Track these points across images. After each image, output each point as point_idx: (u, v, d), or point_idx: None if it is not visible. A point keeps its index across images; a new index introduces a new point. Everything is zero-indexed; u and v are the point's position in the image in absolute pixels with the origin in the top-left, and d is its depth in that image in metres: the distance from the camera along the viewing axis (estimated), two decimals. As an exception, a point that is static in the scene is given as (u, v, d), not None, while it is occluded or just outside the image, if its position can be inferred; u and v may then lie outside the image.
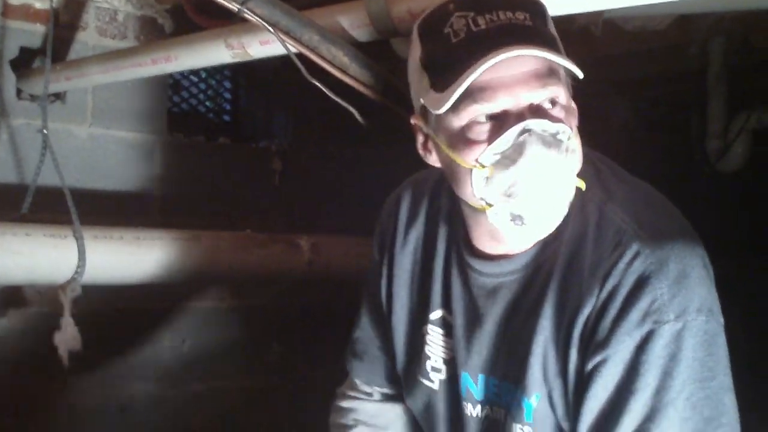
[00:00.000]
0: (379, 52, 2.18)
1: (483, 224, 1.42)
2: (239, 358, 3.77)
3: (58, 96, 3.17)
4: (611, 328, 1.29)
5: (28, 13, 3.07)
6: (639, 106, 4.45)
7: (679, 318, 1.26)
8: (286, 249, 3.20)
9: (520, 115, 1.27)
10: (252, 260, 3.08)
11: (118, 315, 3.34)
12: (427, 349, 1.60)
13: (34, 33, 3.10)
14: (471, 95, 1.26)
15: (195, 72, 3.90)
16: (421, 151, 1.48)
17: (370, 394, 1.83)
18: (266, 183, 3.88)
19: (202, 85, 3.98)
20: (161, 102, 3.56)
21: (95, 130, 3.29)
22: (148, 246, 2.77)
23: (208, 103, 4.02)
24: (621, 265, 1.30)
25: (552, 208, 1.31)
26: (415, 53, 1.39)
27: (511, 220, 1.32)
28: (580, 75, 1.28)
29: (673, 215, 1.41)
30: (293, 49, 1.94)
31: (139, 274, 2.79)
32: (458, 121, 1.31)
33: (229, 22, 2.21)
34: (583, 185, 1.33)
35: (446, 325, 1.57)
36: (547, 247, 1.41)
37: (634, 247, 1.30)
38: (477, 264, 1.50)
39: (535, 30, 1.29)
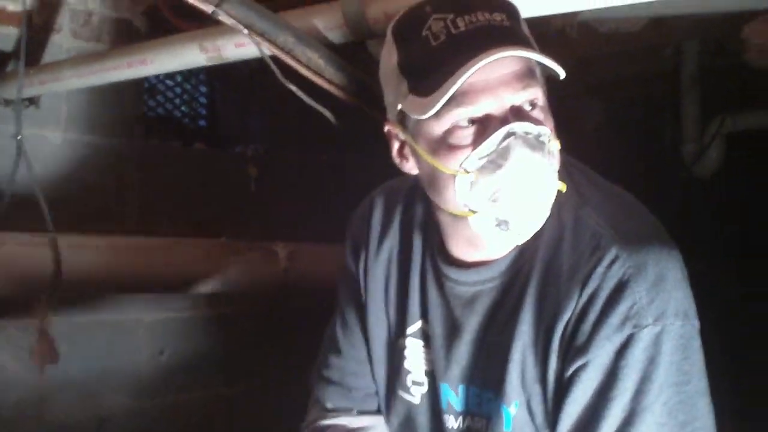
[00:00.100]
0: (353, 53, 2.17)
1: (461, 232, 1.41)
2: (218, 367, 3.75)
3: (33, 101, 3.13)
4: (591, 333, 1.29)
5: (1, 16, 3.04)
6: (613, 109, 4.47)
7: (658, 322, 1.26)
8: (263, 257, 3.19)
9: (503, 119, 1.26)
10: (229, 268, 3.06)
11: (95, 326, 3.30)
12: (407, 363, 1.58)
13: (7, 36, 3.05)
14: (453, 99, 1.24)
15: (170, 76, 3.87)
16: (396, 159, 1.45)
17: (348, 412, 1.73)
18: (242, 189, 3.86)
19: (178, 90, 3.96)
20: (136, 107, 3.54)
21: (70, 136, 3.26)
22: (125, 255, 2.75)
23: (183, 108, 4.00)
24: (600, 270, 1.30)
25: (536, 212, 1.31)
26: (390, 57, 1.36)
27: (497, 225, 1.31)
28: (562, 74, 1.28)
29: (647, 219, 1.41)
30: (268, 52, 1.94)
31: (116, 283, 2.77)
32: (439, 127, 1.30)
33: (205, 24, 2.20)
34: (564, 188, 1.33)
35: (426, 337, 1.55)
36: (524, 252, 1.41)
37: (613, 252, 1.30)
38: (454, 273, 1.48)
39: (512, 30, 1.29)
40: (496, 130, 1.25)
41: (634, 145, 4.65)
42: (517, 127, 1.25)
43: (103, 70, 2.58)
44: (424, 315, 1.54)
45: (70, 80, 2.74)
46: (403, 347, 1.58)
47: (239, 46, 2.10)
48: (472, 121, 1.28)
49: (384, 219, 1.65)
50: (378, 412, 1.68)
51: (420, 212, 1.58)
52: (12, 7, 3.03)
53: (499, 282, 1.43)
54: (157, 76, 3.75)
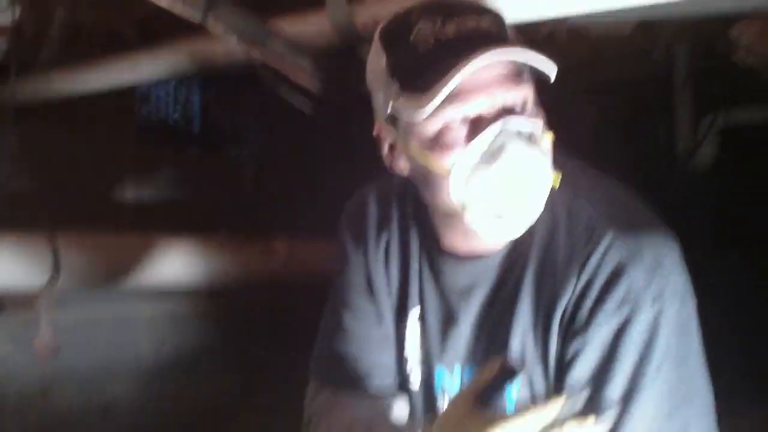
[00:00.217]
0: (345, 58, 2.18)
1: (457, 228, 1.40)
2: (218, 361, 3.77)
3: (26, 109, 3.14)
4: (589, 316, 1.30)
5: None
6: (607, 112, 4.47)
7: (655, 303, 1.27)
8: (262, 252, 3.19)
9: (495, 117, 1.26)
10: (228, 263, 3.07)
11: (96, 320, 3.33)
12: (406, 350, 1.57)
13: (-1, 47, 3.07)
14: (446, 99, 1.23)
15: (163, 83, 3.87)
16: (387, 160, 1.44)
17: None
18: (239, 191, 3.87)
19: (171, 96, 3.96)
20: (130, 114, 3.54)
21: (66, 141, 3.27)
22: (124, 252, 2.77)
23: (177, 114, 4.00)
24: (597, 255, 1.30)
25: (531, 206, 1.30)
26: (379, 60, 1.35)
27: (492, 220, 1.30)
28: (554, 73, 1.26)
29: (642, 207, 1.41)
30: (257, 58, 1.95)
31: (116, 279, 2.78)
32: (433, 126, 1.29)
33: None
34: (557, 181, 1.33)
35: (423, 325, 1.55)
36: (519, 245, 1.40)
37: (609, 238, 1.31)
38: (449, 266, 1.48)
39: (501, 35, 1.29)
40: (489, 127, 1.25)
41: (630, 146, 4.66)
42: (510, 123, 1.25)
43: (95, 79, 2.59)
44: (422, 303, 1.54)
45: (63, 88, 2.75)
46: (403, 335, 1.58)
47: (229, 54, 2.11)
48: (465, 120, 1.27)
49: (379, 212, 1.63)
50: (394, 393, 1.61)
51: (414, 209, 1.57)
52: (2, 19, 3.04)
53: (495, 273, 1.43)
54: (150, 83, 3.75)
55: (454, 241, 1.46)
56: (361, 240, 1.63)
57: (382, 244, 1.61)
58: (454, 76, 1.21)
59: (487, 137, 1.25)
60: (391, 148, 1.42)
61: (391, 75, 1.32)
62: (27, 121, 3.11)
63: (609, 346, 1.28)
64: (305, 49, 1.99)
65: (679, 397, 1.28)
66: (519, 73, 1.28)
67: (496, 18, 1.32)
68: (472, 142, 1.26)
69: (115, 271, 2.78)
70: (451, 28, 1.26)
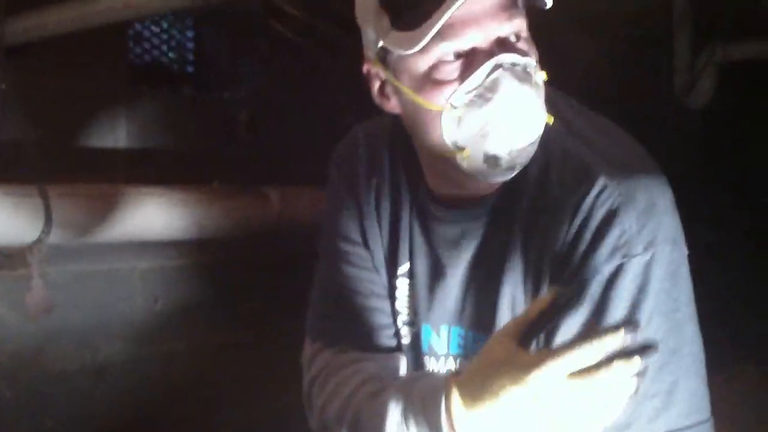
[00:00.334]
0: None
1: (447, 171, 1.37)
2: (212, 315, 3.75)
3: (16, 49, 3.09)
4: (580, 264, 1.28)
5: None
6: (605, 45, 4.43)
7: (647, 249, 1.26)
8: (255, 200, 3.17)
9: (489, 51, 1.23)
10: (221, 214, 3.05)
11: (88, 276, 3.30)
12: (398, 304, 1.55)
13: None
14: (438, 33, 1.20)
15: (156, 22, 3.83)
16: (377, 99, 1.41)
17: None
18: (233, 134, 3.84)
19: (165, 36, 3.91)
20: (123, 53, 3.51)
21: (57, 84, 3.22)
22: (116, 203, 2.74)
23: (170, 54, 3.95)
24: (589, 200, 1.28)
25: (526, 144, 1.28)
26: None
27: (485, 161, 1.27)
28: (549, 2, 1.24)
29: (634, 147, 1.39)
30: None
31: (107, 232, 2.75)
32: (424, 62, 1.26)
33: None
34: (551, 120, 1.30)
35: (412, 278, 1.52)
36: (510, 187, 1.38)
37: (601, 181, 1.28)
38: (440, 212, 1.45)
39: None
40: (482, 63, 1.22)
41: (628, 80, 4.62)
42: (505, 58, 1.23)
43: (87, 15, 2.55)
44: (411, 258, 1.52)
45: (54, 27, 2.70)
46: (395, 288, 1.55)
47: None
48: (458, 55, 1.24)
49: (369, 157, 1.59)
50: (395, 349, 1.56)
51: (403, 154, 1.53)
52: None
53: (486, 220, 1.41)
54: (142, 22, 3.71)
55: (444, 187, 1.43)
56: (352, 184, 1.59)
57: (373, 190, 1.57)
58: (445, 12, 1.17)
59: (480, 73, 1.23)
60: (382, 86, 1.38)
61: (382, 7, 1.28)
62: (16, 63, 3.07)
63: (600, 296, 1.27)
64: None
65: (670, 345, 1.26)
66: (512, 3, 1.25)
67: None
68: (466, 78, 1.23)
69: (107, 223, 2.74)
70: None
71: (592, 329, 1.18)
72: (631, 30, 4.18)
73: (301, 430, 1.60)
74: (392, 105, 1.39)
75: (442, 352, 1.50)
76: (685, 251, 1.32)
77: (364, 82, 1.41)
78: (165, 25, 3.91)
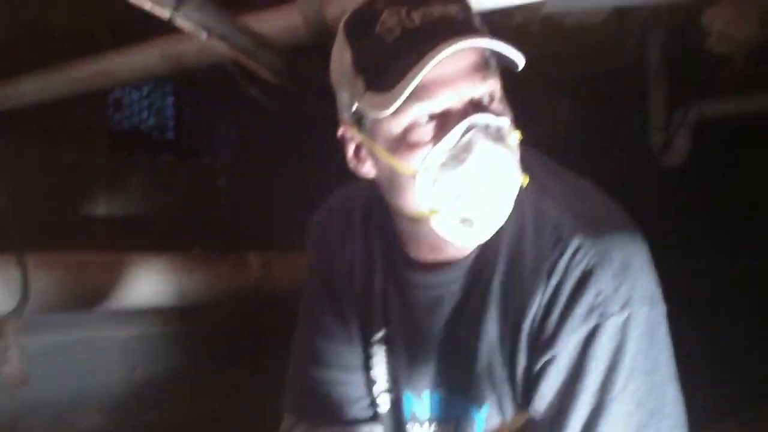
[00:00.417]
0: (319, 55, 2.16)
1: (423, 234, 1.36)
2: (191, 384, 3.69)
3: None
4: (557, 326, 1.27)
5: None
6: (581, 105, 4.48)
7: (624, 309, 1.24)
8: (235, 267, 3.15)
9: (463, 112, 1.22)
10: (201, 280, 3.03)
11: (66, 345, 3.25)
12: (373, 373, 1.54)
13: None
14: (412, 94, 1.19)
15: (137, 88, 3.85)
16: (352, 162, 1.38)
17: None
18: (212, 199, 3.84)
19: (145, 102, 3.94)
20: (103, 120, 3.51)
21: (36, 151, 3.22)
22: (95, 271, 2.72)
23: (150, 120, 3.97)
24: (563, 261, 1.27)
25: (500, 206, 1.27)
26: (343, 55, 1.30)
27: (460, 223, 1.26)
28: (522, 62, 1.23)
29: (609, 206, 1.38)
30: (228, 54, 1.93)
31: (85, 301, 2.73)
32: (398, 124, 1.24)
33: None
34: (526, 180, 1.29)
35: (389, 345, 1.51)
36: (486, 249, 1.36)
37: (575, 241, 1.28)
38: (415, 277, 1.44)
39: (468, 22, 1.25)
40: (456, 124, 1.21)
41: (605, 139, 4.67)
42: (478, 119, 1.22)
43: (66, 83, 2.56)
44: (387, 324, 1.50)
45: (32, 95, 2.71)
46: (371, 356, 1.53)
47: (200, 52, 2.09)
48: (432, 117, 1.23)
49: (343, 225, 1.58)
50: (371, 420, 1.57)
51: (378, 218, 1.52)
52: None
53: (462, 283, 1.39)
54: (122, 89, 3.73)
55: (420, 250, 1.42)
56: (325, 252, 1.59)
57: (346, 258, 1.56)
58: (417, 73, 1.17)
59: (454, 135, 1.22)
60: (357, 150, 1.37)
61: (356, 71, 1.27)
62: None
63: (576, 358, 1.26)
64: (274, 46, 1.97)
65: (649, 407, 1.25)
66: (485, 64, 1.24)
67: (464, 4, 1.29)
68: (440, 139, 1.22)
69: (86, 292, 2.71)
70: (417, 16, 1.21)
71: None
72: (606, 89, 4.23)
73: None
74: (367, 168, 1.37)
75: (424, 417, 1.49)
76: (663, 309, 1.30)
77: (339, 145, 1.40)
78: (145, 92, 3.93)
